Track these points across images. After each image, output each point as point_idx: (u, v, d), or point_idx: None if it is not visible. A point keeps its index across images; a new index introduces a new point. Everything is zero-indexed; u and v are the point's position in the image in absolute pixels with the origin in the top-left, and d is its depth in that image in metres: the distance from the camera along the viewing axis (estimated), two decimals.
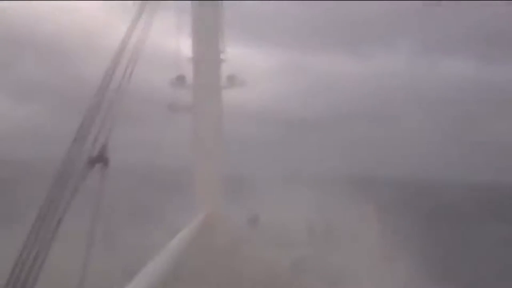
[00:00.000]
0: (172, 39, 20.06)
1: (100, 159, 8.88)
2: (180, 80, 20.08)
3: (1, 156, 56.01)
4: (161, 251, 12.42)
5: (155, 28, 13.43)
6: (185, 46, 20.01)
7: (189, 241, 16.03)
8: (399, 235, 26.10)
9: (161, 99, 20.73)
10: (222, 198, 20.18)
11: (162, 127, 19.78)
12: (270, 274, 19.81)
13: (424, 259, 22.51)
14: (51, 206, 8.10)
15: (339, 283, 18.07)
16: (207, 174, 19.69)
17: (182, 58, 20.09)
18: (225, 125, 20.41)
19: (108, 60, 9.79)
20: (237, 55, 20.68)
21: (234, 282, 19.51)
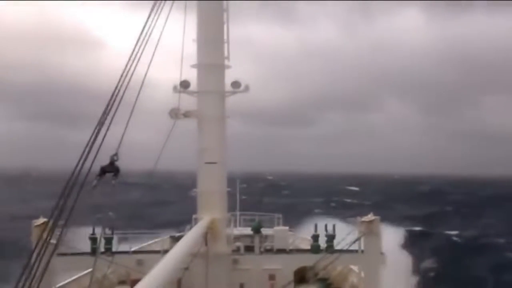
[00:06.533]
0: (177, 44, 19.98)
1: (111, 168, 8.97)
2: (183, 85, 19.94)
3: None
4: (164, 257, 12.40)
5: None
6: (189, 51, 19.94)
7: (192, 247, 16.01)
8: None
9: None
10: (225, 204, 20.11)
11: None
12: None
13: None
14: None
15: None
16: (211, 180, 19.60)
17: (186, 64, 19.99)
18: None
19: None
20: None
21: None
